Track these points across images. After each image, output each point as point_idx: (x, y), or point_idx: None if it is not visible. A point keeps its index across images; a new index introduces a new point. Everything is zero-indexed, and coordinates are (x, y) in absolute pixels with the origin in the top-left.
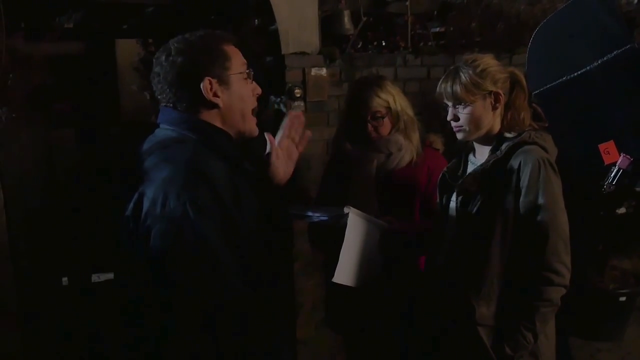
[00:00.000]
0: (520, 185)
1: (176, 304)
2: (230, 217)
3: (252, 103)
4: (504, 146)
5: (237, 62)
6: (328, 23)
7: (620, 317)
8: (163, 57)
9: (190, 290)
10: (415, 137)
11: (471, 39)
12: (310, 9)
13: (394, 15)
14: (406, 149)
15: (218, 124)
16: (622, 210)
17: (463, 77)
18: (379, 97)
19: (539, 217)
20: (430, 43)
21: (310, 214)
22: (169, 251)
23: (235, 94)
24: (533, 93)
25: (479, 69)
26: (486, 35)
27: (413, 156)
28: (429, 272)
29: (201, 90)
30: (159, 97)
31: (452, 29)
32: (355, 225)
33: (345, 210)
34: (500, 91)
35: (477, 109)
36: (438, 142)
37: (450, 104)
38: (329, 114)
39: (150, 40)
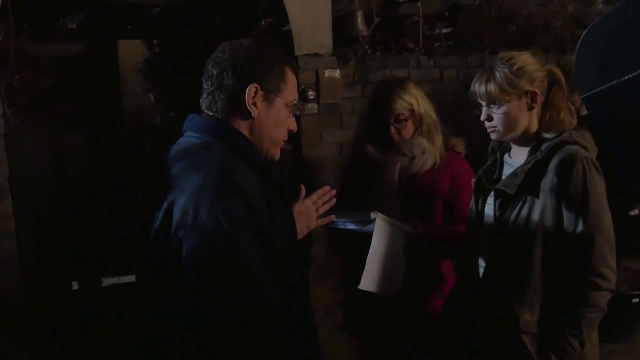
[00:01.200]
0: (563, 187)
1: (211, 316)
2: (263, 227)
3: (284, 135)
4: (544, 146)
5: (291, 90)
6: (340, 24)
7: (633, 318)
8: (227, 51)
9: (225, 303)
10: (439, 140)
11: (482, 40)
12: (324, 10)
13: (405, 16)
14: (429, 152)
15: (245, 134)
16: (635, 212)
17: (498, 75)
18: (402, 99)
19: (583, 220)
20: (437, 44)
21: (334, 219)
22: (203, 264)
23: (273, 115)
24: (581, 97)
25: (515, 67)
26: (497, 36)
27: (436, 159)
28: (464, 280)
29: (244, 94)
30: (201, 99)
31: (462, 30)
32: (382, 231)
33: (372, 215)
34: (537, 90)
35: (512, 109)
36: (460, 146)
37: (484, 103)
38: (342, 115)
39: (155, 42)
